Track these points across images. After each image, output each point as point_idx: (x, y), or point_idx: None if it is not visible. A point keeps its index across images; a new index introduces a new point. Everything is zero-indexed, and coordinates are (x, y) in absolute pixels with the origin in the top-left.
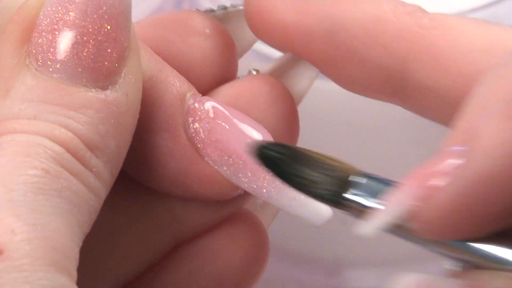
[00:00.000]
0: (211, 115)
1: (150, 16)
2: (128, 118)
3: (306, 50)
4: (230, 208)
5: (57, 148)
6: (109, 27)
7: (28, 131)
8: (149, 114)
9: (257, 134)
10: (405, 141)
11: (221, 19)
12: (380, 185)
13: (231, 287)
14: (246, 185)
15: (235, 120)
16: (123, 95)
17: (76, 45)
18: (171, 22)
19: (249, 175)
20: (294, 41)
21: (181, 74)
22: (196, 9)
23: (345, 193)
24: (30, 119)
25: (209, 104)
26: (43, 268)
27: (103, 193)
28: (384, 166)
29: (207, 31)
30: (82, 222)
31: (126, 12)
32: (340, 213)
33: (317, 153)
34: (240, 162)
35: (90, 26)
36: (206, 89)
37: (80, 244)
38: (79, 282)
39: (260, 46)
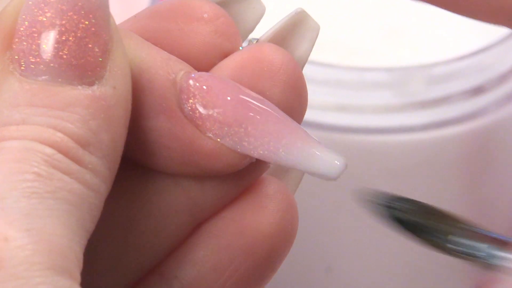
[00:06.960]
0: (205, 88)
1: (147, 7)
2: (119, 110)
3: None
4: (248, 178)
5: (47, 150)
6: (87, 23)
7: (17, 137)
8: (142, 100)
9: (258, 101)
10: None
11: (220, 2)
12: None
13: (263, 255)
14: (252, 151)
15: (230, 89)
16: (110, 88)
17: (57, 45)
18: (169, 11)
19: (253, 141)
20: None
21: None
22: None
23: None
24: (19, 125)
25: (202, 79)
26: (41, 273)
27: (103, 188)
28: None
29: (206, 16)
30: (82, 221)
31: (103, 6)
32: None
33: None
34: (242, 130)
35: (68, 24)
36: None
37: (84, 243)
38: (98, 278)
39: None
